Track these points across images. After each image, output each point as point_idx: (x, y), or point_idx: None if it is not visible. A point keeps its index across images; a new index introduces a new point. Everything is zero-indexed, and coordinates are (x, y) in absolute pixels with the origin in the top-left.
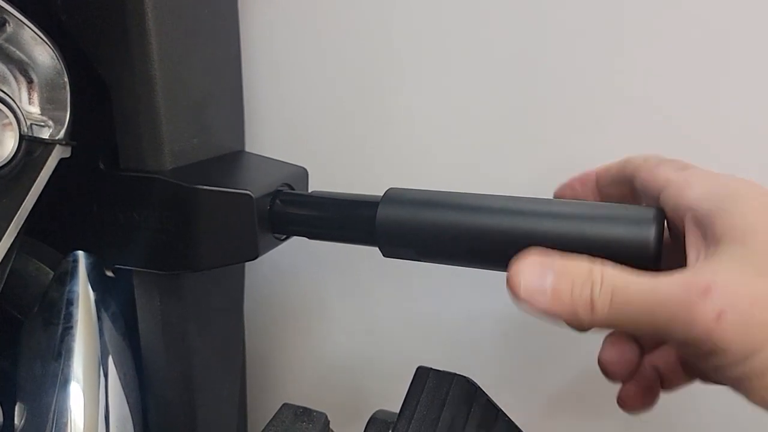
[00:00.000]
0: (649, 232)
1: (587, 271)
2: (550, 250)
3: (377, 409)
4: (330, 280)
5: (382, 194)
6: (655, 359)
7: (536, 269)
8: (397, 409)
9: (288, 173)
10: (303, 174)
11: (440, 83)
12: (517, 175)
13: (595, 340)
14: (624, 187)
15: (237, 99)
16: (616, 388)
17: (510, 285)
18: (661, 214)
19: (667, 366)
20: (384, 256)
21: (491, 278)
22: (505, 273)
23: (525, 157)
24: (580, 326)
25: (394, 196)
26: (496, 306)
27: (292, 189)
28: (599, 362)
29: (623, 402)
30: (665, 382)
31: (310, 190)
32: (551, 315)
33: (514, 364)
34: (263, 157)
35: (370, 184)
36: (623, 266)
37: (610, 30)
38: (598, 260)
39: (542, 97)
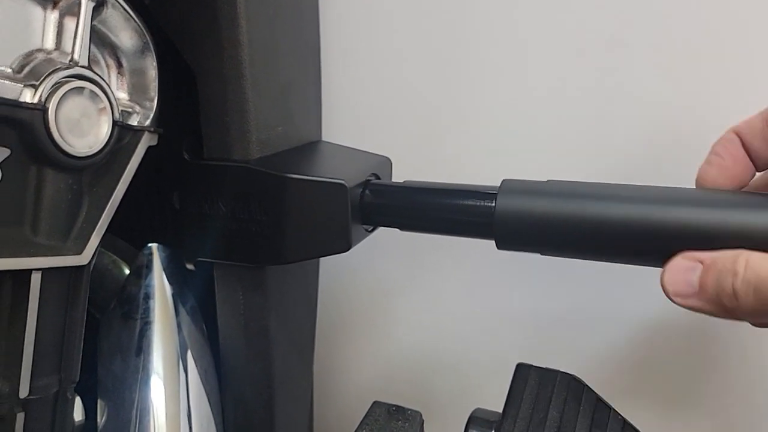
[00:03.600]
0: None
1: (732, 262)
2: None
3: (452, 407)
4: (400, 272)
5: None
6: None
7: (683, 266)
8: (474, 407)
9: (374, 163)
10: (388, 164)
11: (523, 69)
12: (606, 169)
13: (698, 339)
14: None
15: (316, 87)
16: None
17: (662, 286)
18: None
19: None
20: (499, 248)
21: (567, 271)
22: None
23: (612, 150)
24: (730, 316)
25: (513, 187)
26: (568, 301)
27: (379, 179)
28: None
29: None
30: None
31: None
32: (700, 310)
33: (594, 364)
34: (345, 147)
35: (446, 177)
36: None
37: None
38: (747, 251)
39: (628, 86)
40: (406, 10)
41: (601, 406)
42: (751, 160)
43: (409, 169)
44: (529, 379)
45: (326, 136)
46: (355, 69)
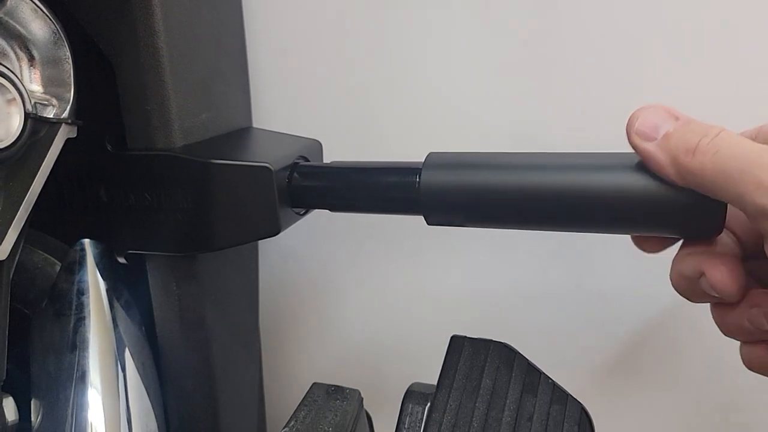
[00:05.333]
0: None
1: (708, 126)
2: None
3: (397, 385)
4: (341, 258)
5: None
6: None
7: (660, 114)
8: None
9: (303, 146)
10: (318, 147)
11: (454, 46)
12: (542, 140)
13: (625, 307)
14: None
15: (243, 73)
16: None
17: (629, 120)
18: None
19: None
20: (428, 224)
21: (510, 247)
22: (558, 232)
23: (548, 124)
24: (675, 174)
25: (438, 160)
26: (519, 277)
27: (308, 161)
28: (713, 286)
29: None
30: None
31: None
32: (651, 157)
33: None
34: (274, 132)
35: (379, 157)
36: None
37: None
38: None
39: (563, 59)
40: None
41: (532, 371)
42: None
43: (343, 151)
44: (463, 350)
45: (258, 123)
46: (286, 54)
